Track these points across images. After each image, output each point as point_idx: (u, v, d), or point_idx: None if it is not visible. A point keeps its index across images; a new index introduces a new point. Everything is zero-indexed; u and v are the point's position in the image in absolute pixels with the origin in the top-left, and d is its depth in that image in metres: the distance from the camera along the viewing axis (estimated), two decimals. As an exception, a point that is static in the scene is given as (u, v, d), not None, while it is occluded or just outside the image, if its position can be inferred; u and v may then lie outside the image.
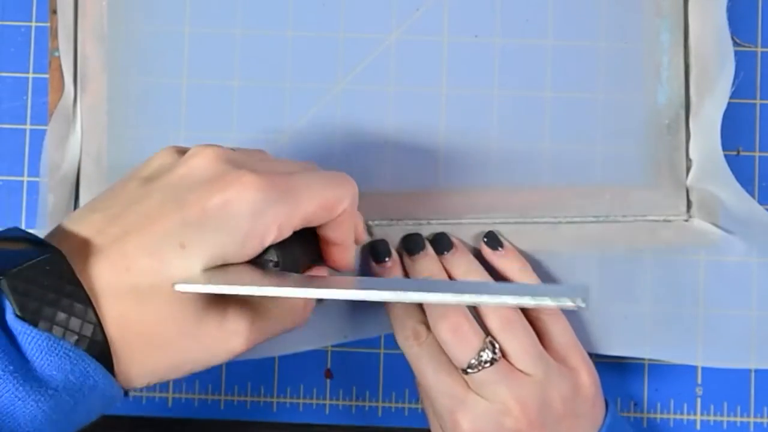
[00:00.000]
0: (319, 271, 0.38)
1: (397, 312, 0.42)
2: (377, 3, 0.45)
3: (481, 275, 0.42)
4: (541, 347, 0.40)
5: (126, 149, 0.45)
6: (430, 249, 0.43)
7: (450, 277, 0.43)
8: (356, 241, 0.38)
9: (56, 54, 0.45)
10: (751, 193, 0.45)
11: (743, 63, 0.46)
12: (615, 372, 0.46)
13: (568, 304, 0.29)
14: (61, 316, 0.30)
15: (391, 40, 0.45)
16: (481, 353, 0.39)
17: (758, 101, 0.47)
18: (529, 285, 0.33)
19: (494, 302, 0.30)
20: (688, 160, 0.45)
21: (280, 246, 0.34)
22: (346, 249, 0.38)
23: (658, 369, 0.46)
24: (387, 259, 0.43)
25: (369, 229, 0.42)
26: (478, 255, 0.44)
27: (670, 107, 0.46)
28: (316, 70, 0.45)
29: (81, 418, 0.31)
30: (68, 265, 0.31)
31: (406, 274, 0.43)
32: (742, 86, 0.46)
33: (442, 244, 0.44)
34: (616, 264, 0.44)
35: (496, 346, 0.39)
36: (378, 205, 0.45)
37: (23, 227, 0.46)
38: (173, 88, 0.45)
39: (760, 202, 0.45)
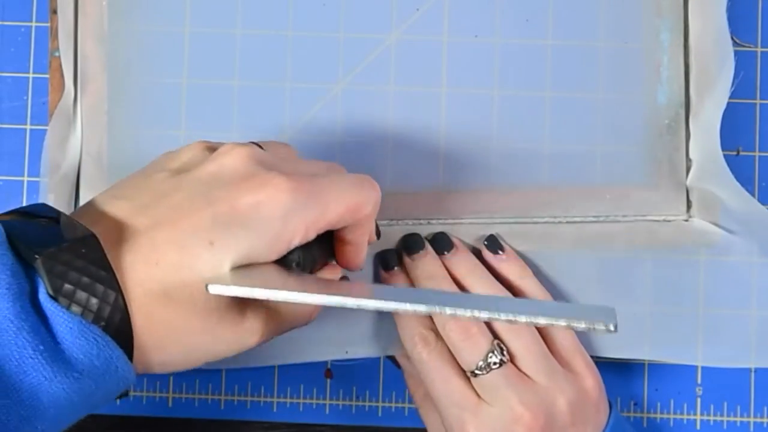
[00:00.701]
0: (333, 270, 0.38)
1: (404, 319, 0.42)
2: (377, 3, 0.45)
3: (483, 275, 0.42)
4: (547, 351, 0.40)
5: (126, 149, 0.45)
6: (430, 248, 0.43)
7: (451, 277, 0.43)
8: (368, 241, 0.39)
9: (56, 54, 0.45)
10: (751, 193, 0.45)
11: (743, 63, 0.46)
12: (615, 372, 0.46)
13: (601, 327, 0.29)
14: (93, 301, 0.30)
15: (391, 40, 0.45)
16: (489, 355, 0.39)
17: (758, 101, 0.47)
18: (561, 305, 0.33)
19: (528, 321, 0.30)
20: (688, 160, 0.45)
21: (302, 246, 0.34)
22: (360, 250, 0.38)
23: (658, 369, 0.46)
24: (396, 267, 0.44)
25: (377, 228, 0.43)
26: (478, 255, 0.44)
27: (670, 107, 0.46)
28: (316, 70, 0.45)
29: (97, 402, 0.32)
30: (103, 251, 0.31)
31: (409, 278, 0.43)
32: (742, 86, 0.46)
33: (442, 243, 0.44)
34: (616, 264, 0.44)
35: (504, 348, 0.39)
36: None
37: (23, 227, 0.46)
38: (173, 88, 0.45)
39: (760, 202, 0.44)
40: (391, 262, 0.44)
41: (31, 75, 0.47)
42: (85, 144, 0.45)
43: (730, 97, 0.43)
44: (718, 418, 0.46)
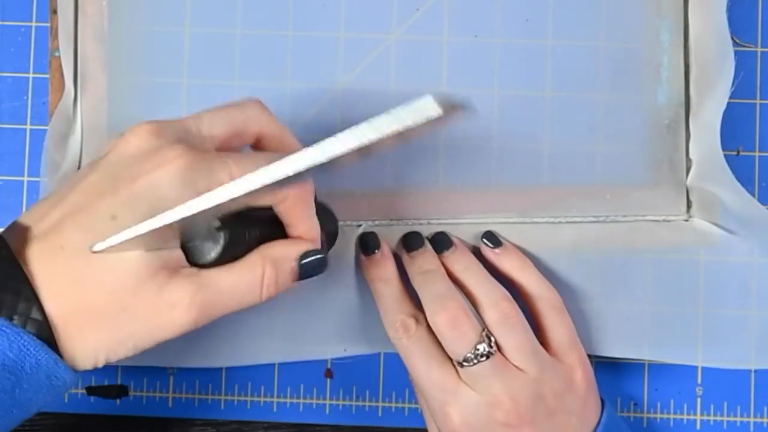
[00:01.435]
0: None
1: (386, 305, 0.42)
2: (377, 3, 0.45)
3: (481, 272, 0.42)
4: (537, 343, 0.40)
5: (126, 149, 0.45)
6: (428, 246, 0.44)
7: (449, 274, 0.43)
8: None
9: (56, 54, 0.45)
10: (751, 193, 0.45)
11: (743, 63, 0.46)
12: (615, 372, 0.46)
13: (429, 113, 0.32)
14: (5, 296, 0.31)
15: (391, 40, 0.45)
16: (478, 346, 0.39)
17: (758, 101, 0.47)
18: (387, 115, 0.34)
19: (364, 142, 0.32)
20: (688, 160, 0.45)
21: (230, 226, 0.34)
22: (307, 228, 0.37)
23: (658, 369, 0.46)
24: (376, 251, 0.43)
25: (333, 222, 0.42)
26: (478, 254, 0.44)
27: (670, 107, 0.46)
28: (316, 70, 0.45)
29: (28, 399, 0.32)
30: (8, 247, 0.32)
31: (401, 269, 0.43)
32: (742, 86, 0.46)
33: (442, 243, 0.44)
34: (616, 264, 0.44)
35: (492, 339, 0.40)
36: (378, 205, 0.45)
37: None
38: (173, 88, 0.45)
39: (760, 202, 0.44)
40: (371, 245, 0.44)
41: (31, 75, 0.47)
42: (84, 144, 0.45)
43: (730, 97, 0.43)
44: (718, 418, 0.46)
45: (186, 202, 0.32)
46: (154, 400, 0.46)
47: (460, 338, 0.39)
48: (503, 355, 0.40)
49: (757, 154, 0.47)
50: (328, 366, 0.46)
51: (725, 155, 0.43)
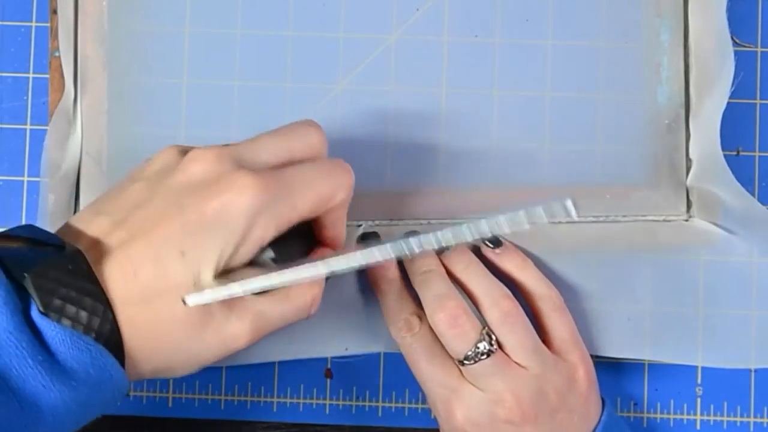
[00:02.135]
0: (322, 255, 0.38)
1: (389, 304, 0.42)
2: (377, 3, 0.45)
3: (481, 270, 0.42)
4: (538, 341, 0.40)
5: (126, 149, 0.45)
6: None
7: (450, 274, 0.43)
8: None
9: (56, 54, 0.45)
10: (751, 193, 0.45)
11: (743, 63, 0.46)
12: (615, 372, 0.46)
13: (561, 210, 0.31)
14: (83, 314, 0.31)
15: (391, 40, 0.45)
16: (478, 345, 0.39)
17: (758, 101, 0.47)
18: (517, 211, 0.35)
19: (493, 232, 0.33)
20: (688, 159, 0.45)
21: (276, 241, 0.35)
22: (339, 234, 0.38)
23: (658, 369, 0.46)
24: None
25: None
26: (478, 253, 0.44)
27: (670, 107, 0.46)
28: (316, 70, 0.45)
29: (94, 410, 0.33)
30: (88, 265, 0.32)
31: (403, 272, 0.43)
32: (742, 86, 0.46)
33: None
34: (616, 264, 0.44)
35: (493, 337, 0.40)
36: (378, 205, 0.45)
37: (23, 227, 0.46)
38: (173, 88, 0.45)
39: (760, 202, 0.44)
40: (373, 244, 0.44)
41: (31, 75, 0.47)
42: (85, 144, 0.45)
43: (730, 97, 0.43)
44: (718, 418, 0.46)
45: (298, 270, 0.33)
46: (154, 400, 0.46)
47: (460, 337, 0.39)
48: (505, 353, 0.40)
49: (757, 154, 0.47)
50: (328, 366, 0.46)
51: (725, 155, 0.43)
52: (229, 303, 0.34)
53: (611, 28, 0.45)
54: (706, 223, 0.45)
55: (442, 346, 0.41)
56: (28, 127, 0.47)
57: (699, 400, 0.46)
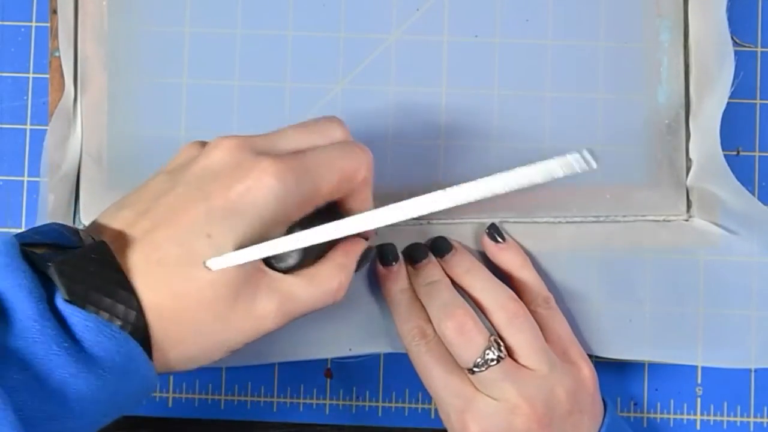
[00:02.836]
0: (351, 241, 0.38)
1: (402, 313, 0.42)
2: (377, 3, 0.45)
3: (484, 274, 0.42)
4: (544, 342, 0.40)
5: (126, 149, 0.45)
6: (432, 257, 0.44)
7: (451, 278, 0.43)
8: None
9: (56, 54, 0.45)
10: (751, 193, 0.45)
11: (743, 63, 0.46)
12: (615, 372, 0.46)
13: (578, 165, 0.31)
14: (107, 301, 0.31)
15: (391, 40, 0.45)
16: (487, 352, 0.39)
17: (758, 101, 0.47)
18: (531, 165, 0.34)
19: (507, 187, 0.32)
20: (688, 159, 0.45)
21: (302, 225, 0.35)
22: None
23: (658, 369, 0.46)
24: (394, 263, 0.43)
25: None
26: (477, 256, 0.44)
27: (670, 107, 0.46)
28: (316, 70, 0.45)
29: (122, 402, 0.32)
30: (112, 253, 0.32)
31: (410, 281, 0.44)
32: (742, 86, 0.46)
33: (442, 247, 0.44)
34: (616, 264, 0.44)
35: (501, 344, 0.40)
36: (377, 205, 0.45)
37: (23, 227, 0.46)
38: (173, 88, 0.45)
39: (760, 202, 0.44)
40: (390, 256, 0.44)
41: (31, 75, 0.47)
42: (85, 144, 0.45)
43: (730, 97, 0.43)
44: (718, 418, 0.46)
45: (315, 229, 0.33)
46: (155, 400, 0.46)
47: (468, 344, 0.39)
48: (513, 358, 0.40)
49: (757, 154, 0.47)
50: (328, 366, 0.46)
51: (725, 155, 0.43)
52: (255, 283, 0.34)
53: (611, 28, 0.45)
54: (706, 223, 0.45)
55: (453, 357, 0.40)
56: (28, 127, 0.47)
57: (699, 400, 0.46)
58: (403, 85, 0.45)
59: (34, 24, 0.47)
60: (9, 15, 0.47)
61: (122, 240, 0.33)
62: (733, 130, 0.46)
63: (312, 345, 0.44)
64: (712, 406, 0.46)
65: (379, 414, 0.46)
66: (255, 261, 0.33)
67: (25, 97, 0.47)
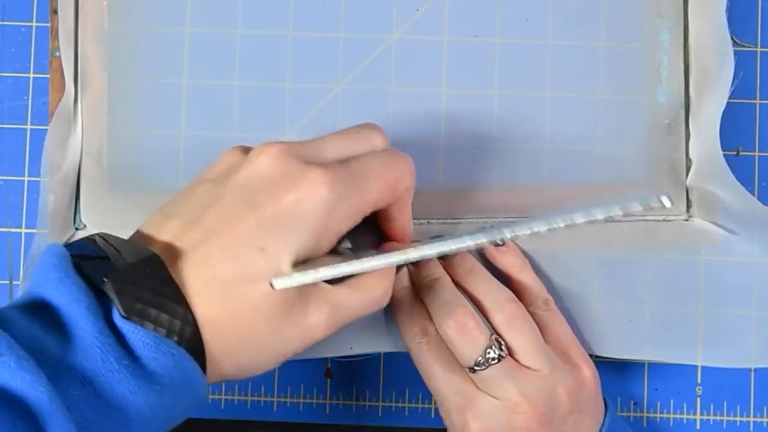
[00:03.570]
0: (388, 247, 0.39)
1: (404, 310, 0.42)
2: (377, 3, 0.45)
3: (484, 274, 0.42)
4: (544, 343, 0.40)
5: (126, 149, 0.45)
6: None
7: (452, 277, 0.43)
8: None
9: (57, 54, 0.45)
10: (751, 193, 0.45)
11: (743, 63, 0.46)
12: (615, 372, 0.46)
13: (656, 204, 0.30)
14: (164, 317, 0.31)
15: (391, 40, 0.46)
16: (488, 351, 0.39)
17: (758, 101, 0.47)
18: (609, 201, 0.35)
19: (586, 221, 0.32)
20: (688, 160, 0.45)
21: (351, 232, 0.35)
22: (407, 224, 0.38)
23: (658, 369, 0.46)
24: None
25: None
26: (477, 256, 0.44)
27: (670, 107, 0.46)
28: (316, 70, 0.45)
29: (176, 415, 0.32)
30: (165, 268, 0.32)
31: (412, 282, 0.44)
32: (741, 86, 0.46)
33: None
34: (616, 264, 0.44)
35: (502, 343, 0.40)
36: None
37: (23, 227, 0.46)
38: (173, 88, 0.45)
39: (760, 202, 0.44)
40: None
41: (31, 75, 0.47)
42: (85, 144, 0.45)
43: (730, 97, 0.43)
44: (718, 418, 0.46)
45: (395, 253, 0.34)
46: (154, 400, 0.46)
47: (469, 343, 0.39)
48: (514, 357, 0.40)
49: (757, 154, 0.47)
50: (328, 366, 0.46)
51: (725, 155, 0.43)
52: (306, 295, 0.34)
53: (611, 28, 0.45)
54: (706, 223, 0.45)
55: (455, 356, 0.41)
56: (29, 127, 0.47)
57: (699, 399, 0.46)
58: (403, 85, 0.45)
59: (34, 24, 0.47)
60: (9, 15, 0.47)
61: (172, 252, 0.33)
62: (733, 130, 0.46)
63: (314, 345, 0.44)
64: (712, 406, 0.46)
65: (379, 414, 0.46)
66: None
67: (26, 97, 0.47)
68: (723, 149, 0.43)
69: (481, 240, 0.33)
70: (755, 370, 0.46)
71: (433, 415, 0.46)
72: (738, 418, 0.46)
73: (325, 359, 0.46)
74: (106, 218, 0.45)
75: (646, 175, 0.45)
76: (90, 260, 0.32)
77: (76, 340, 0.30)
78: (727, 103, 0.43)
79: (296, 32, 0.45)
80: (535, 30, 0.45)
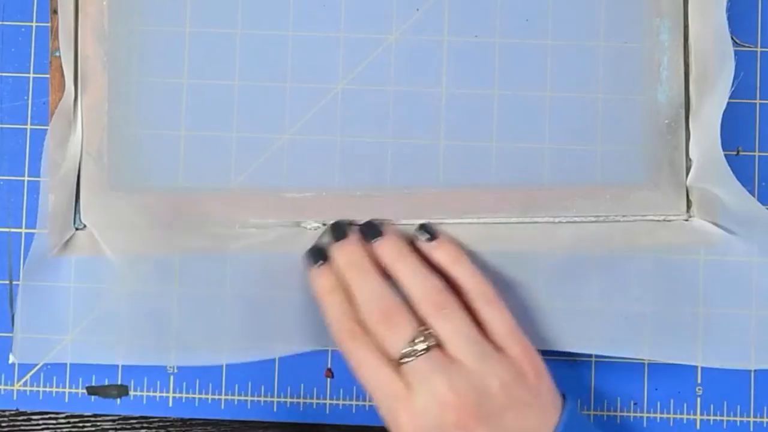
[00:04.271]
0: None
1: (333, 314, 0.41)
2: (377, 3, 0.45)
3: (412, 262, 0.42)
4: (477, 334, 0.40)
5: (126, 149, 0.45)
6: (353, 236, 0.43)
7: (381, 265, 0.42)
8: None
9: (57, 54, 0.45)
10: (751, 193, 0.45)
11: (743, 63, 0.46)
12: (615, 372, 0.46)
13: None
14: None
15: (391, 40, 0.46)
16: (416, 341, 0.39)
17: (758, 101, 0.47)
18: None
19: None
20: (688, 159, 0.45)
21: None
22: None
23: (658, 369, 0.46)
24: (321, 262, 0.43)
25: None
26: (477, 257, 0.44)
27: (670, 107, 0.46)
28: (316, 70, 0.45)
29: None
30: None
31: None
32: (741, 86, 0.46)
33: (369, 232, 0.43)
34: (615, 264, 0.44)
35: (431, 335, 0.39)
36: (378, 205, 0.45)
37: (23, 227, 0.46)
38: (173, 88, 0.45)
39: (760, 202, 0.44)
40: (317, 257, 0.43)
41: (31, 75, 0.47)
42: (85, 144, 0.45)
43: (730, 97, 0.43)
44: (718, 418, 0.46)
45: None
46: (154, 400, 0.46)
47: (395, 334, 0.39)
48: (444, 350, 0.39)
49: (757, 154, 0.47)
50: (329, 366, 0.46)
51: (725, 155, 0.43)
52: None
53: (611, 28, 0.46)
54: (706, 223, 0.45)
55: (386, 354, 0.40)
56: (29, 127, 0.47)
57: (699, 399, 0.46)
58: (403, 85, 0.45)
59: (34, 24, 0.47)
60: (9, 15, 0.47)
61: None
62: (733, 130, 0.46)
63: (313, 335, 0.44)
64: (712, 406, 0.46)
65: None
66: None
67: (26, 97, 0.47)
68: (723, 149, 0.43)
69: None
70: (755, 370, 0.46)
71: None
72: (738, 418, 0.46)
73: (325, 359, 0.46)
74: (106, 218, 0.45)
75: (646, 175, 0.45)
76: None
77: None
78: (727, 103, 0.43)
79: (296, 32, 0.45)
80: (535, 30, 0.45)
